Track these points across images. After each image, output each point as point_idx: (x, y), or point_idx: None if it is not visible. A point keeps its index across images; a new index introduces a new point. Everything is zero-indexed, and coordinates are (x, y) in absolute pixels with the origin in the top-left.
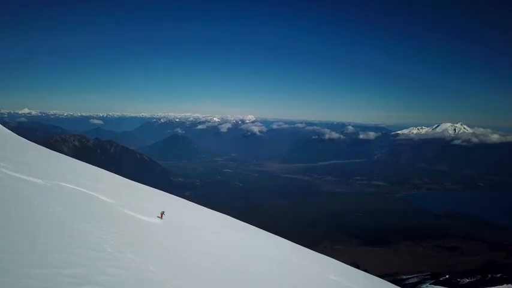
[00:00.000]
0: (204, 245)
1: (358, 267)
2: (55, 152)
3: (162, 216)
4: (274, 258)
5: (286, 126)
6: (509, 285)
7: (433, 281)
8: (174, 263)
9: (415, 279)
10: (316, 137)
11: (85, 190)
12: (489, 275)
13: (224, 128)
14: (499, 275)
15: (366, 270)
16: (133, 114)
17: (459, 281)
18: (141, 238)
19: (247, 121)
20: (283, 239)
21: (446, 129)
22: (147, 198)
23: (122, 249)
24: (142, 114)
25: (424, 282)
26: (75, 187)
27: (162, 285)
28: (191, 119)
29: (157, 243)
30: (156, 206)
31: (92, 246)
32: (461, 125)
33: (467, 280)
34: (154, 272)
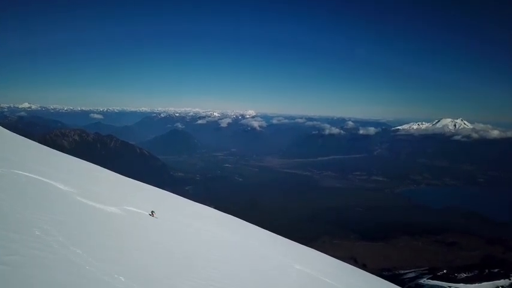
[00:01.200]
0: (157, 235)
1: (356, 262)
2: (31, 142)
3: (153, 215)
4: (228, 243)
5: (286, 121)
6: (506, 280)
7: (430, 276)
8: (107, 248)
9: (413, 274)
10: (316, 132)
11: (42, 178)
12: (486, 270)
13: (224, 123)
14: (496, 270)
15: (364, 265)
16: (133, 109)
17: (456, 276)
18: (86, 226)
19: (248, 116)
20: (254, 227)
21: (446, 125)
22: (117, 188)
23: (53, 233)
24: (143, 109)
25: (422, 277)
26: (31, 175)
27: (81, 267)
28: (191, 113)
29: (101, 232)
30: (122, 196)
31: (18, 229)
32: (462, 120)
33: (465, 275)
34: (79, 254)
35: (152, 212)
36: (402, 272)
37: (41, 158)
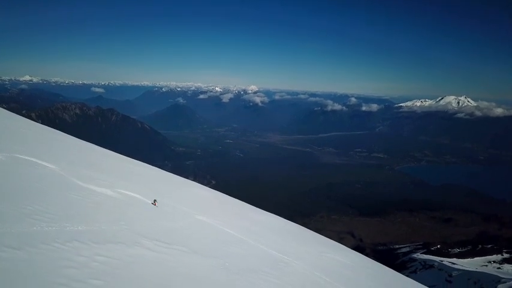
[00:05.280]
0: (115, 214)
1: (353, 237)
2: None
3: (155, 203)
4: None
5: (289, 97)
6: (498, 255)
7: (424, 251)
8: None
9: (408, 249)
10: (319, 108)
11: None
12: (480, 246)
13: (226, 98)
14: (489, 246)
15: (360, 240)
16: (135, 83)
17: (450, 251)
18: (54, 197)
19: (250, 91)
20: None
21: (449, 102)
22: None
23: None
24: (144, 83)
25: (416, 252)
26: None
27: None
28: (193, 88)
29: (56, 199)
30: (103, 174)
31: None
32: (465, 98)
33: (458, 250)
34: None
35: (155, 200)
36: (397, 246)
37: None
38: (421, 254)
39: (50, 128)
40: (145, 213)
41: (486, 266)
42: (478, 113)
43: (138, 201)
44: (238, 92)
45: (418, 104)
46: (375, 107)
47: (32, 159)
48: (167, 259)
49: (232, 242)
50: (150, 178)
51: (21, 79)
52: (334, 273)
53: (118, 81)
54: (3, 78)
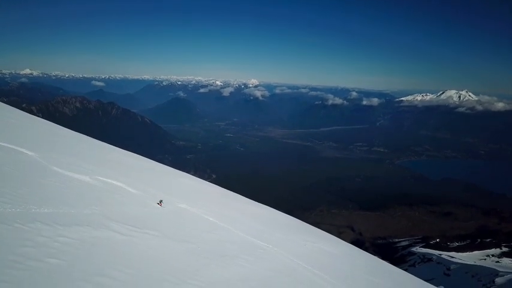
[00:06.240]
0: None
1: (353, 230)
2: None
3: (160, 204)
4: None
5: (290, 91)
6: (497, 249)
7: (423, 245)
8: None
9: (407, 243)
10: (319, 102)
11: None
12: (479, 240)
13: (226, 92)
14: (488, 240)
15: (360, 233)
16: (135, 77)
17: (448, 245)
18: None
19: (250, 85)
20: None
21: (451, 97)
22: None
23: None
24: (145, 76)
25: (415, 246)
26: None
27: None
28: (193, 82)
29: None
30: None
31: None
32: (467, 92)
33: (457, 244)
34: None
35: (161, 201)
36: (396, 240)
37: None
38: (420, 247)
39: (40, 118)
40: (122, 200)
41: (485, 259)
42: (479, 108)
43: (119, 189)
44: (238, 85)
45: (419, 98)
46: (375, 101)
47: (9, 145)
48: (135, 242)
49: (210, 229)
50: (137, 168)
51: (21, 72)
52: (316, 260)
53: (118, 75)
54: (3, 71)
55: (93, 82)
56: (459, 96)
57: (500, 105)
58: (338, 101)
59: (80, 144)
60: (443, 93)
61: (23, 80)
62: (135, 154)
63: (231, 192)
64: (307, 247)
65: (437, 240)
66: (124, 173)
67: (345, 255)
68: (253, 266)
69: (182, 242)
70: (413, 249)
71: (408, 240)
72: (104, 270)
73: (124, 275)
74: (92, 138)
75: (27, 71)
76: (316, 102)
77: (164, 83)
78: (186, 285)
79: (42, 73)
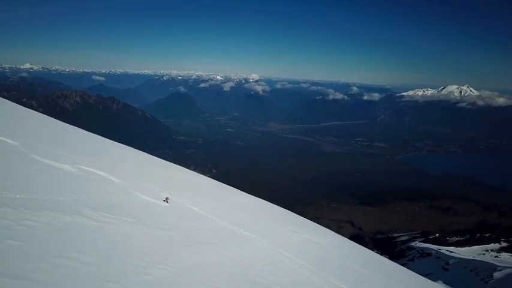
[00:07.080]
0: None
1: (353, 225)
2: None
3: (167, 201)
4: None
5: (290, 86)
6: (496, 244)
7: (422, 239)
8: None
9: (406, 237)
10: (320, 97)
11: None
12: (478, 234)
13: (227, 86)
14: (488, 235)
15: (360, 228)
16: (136, 72)
17: (448, 240)
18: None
19: (251, 80)
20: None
21: (452, 92)
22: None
23: None
24: (145, 71)
25: (414, 240)
26: None
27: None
28: (194, 77)
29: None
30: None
31: None
32: (468, 87)
33: (456, 239)
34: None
35: (167, 198)
36: (396, 235)
37: None
38: (419, 242)
39: (33, 111)
40: (101, 188)
41: (484, 254)
42: (480, 103)
43: (100, 178)
44: (239, 80)
45: (420, 93)
46: (376, 96)
47: None
48: (106, 227)
49: (191, 217)
50: (127, 159)
51: (21, 67)
52: (299, 250)
53: (119, 70)
54: (3, 66)
55: (94, 77)
56: (460, 92)
57: (501, 101)
58: (339, 96)
59: (69, 135)
60: (444, 88)
61: (24, 74)
62: (129, 147)
63: (224, 184)
64: (293, 238)
65: (437, 235)
66: (110, 163)
67: (334, 247)
68: (230, 253)
69: (158, 229)
70: (413, 243)
71: (408, 235)
72: (66, 253)
73: (86, 257)
74: (85, 131)
75: (28, 65)
76: (317, 97)
77: (165, 78)
78: (152, 269)
79: (42, 68)
